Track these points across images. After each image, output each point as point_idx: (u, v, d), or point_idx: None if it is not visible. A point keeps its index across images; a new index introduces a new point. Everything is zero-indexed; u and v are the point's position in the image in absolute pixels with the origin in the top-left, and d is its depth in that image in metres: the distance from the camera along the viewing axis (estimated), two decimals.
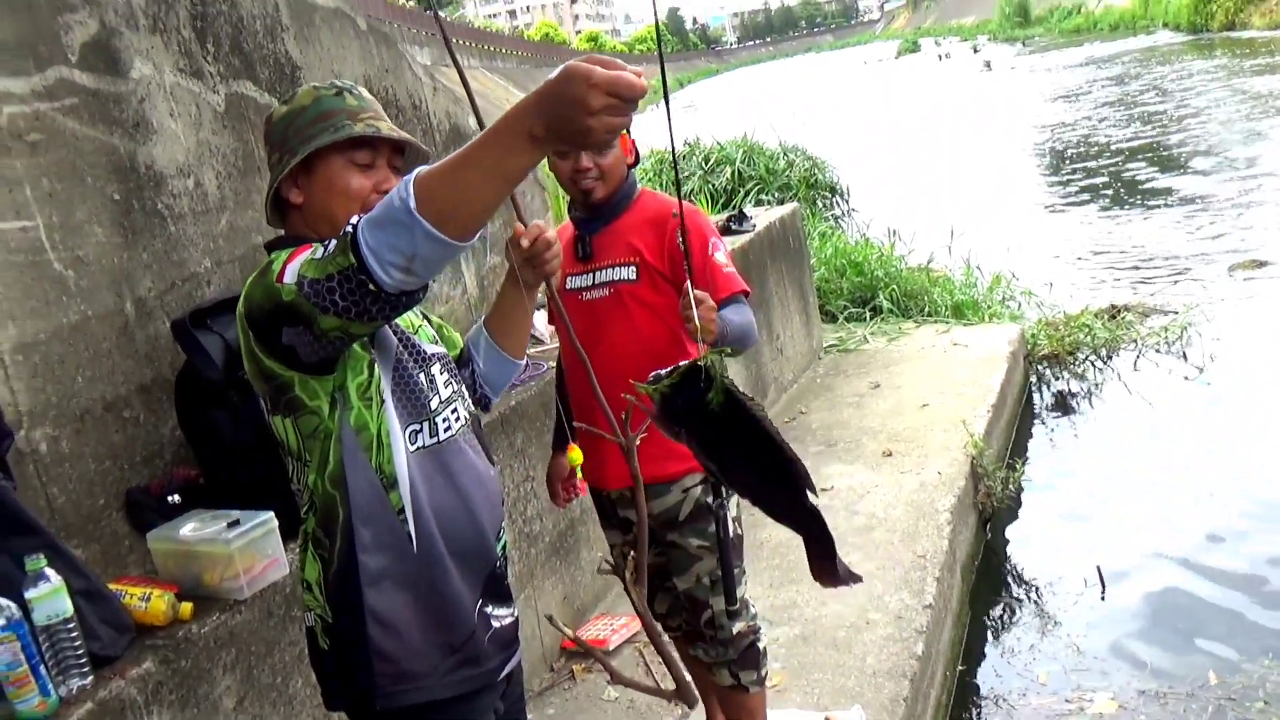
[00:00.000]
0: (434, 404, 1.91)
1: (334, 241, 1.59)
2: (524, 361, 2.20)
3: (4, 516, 2.32)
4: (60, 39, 2.83)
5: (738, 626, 2.88)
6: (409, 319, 1.99)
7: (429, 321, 2.13)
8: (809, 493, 1.89)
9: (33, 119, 2.71)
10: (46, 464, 2.64)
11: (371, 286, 1.54)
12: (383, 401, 1.83)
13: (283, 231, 1.99)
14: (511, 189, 1.59)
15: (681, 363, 1.74)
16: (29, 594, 2.16)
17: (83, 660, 2.24)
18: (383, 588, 1.85)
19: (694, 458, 2.58)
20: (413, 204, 1.46)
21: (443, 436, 1.92)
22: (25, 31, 2.72)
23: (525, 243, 1.99)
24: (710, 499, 2.76)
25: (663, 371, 1.75)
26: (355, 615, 1.85)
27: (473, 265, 4.67)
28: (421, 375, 1.92)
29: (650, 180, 10.75)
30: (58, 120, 2.78)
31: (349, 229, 1.56)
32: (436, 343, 2.04)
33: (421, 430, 1.88)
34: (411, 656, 1.88)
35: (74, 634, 2.22)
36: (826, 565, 1.95)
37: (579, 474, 2.93)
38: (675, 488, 2.81)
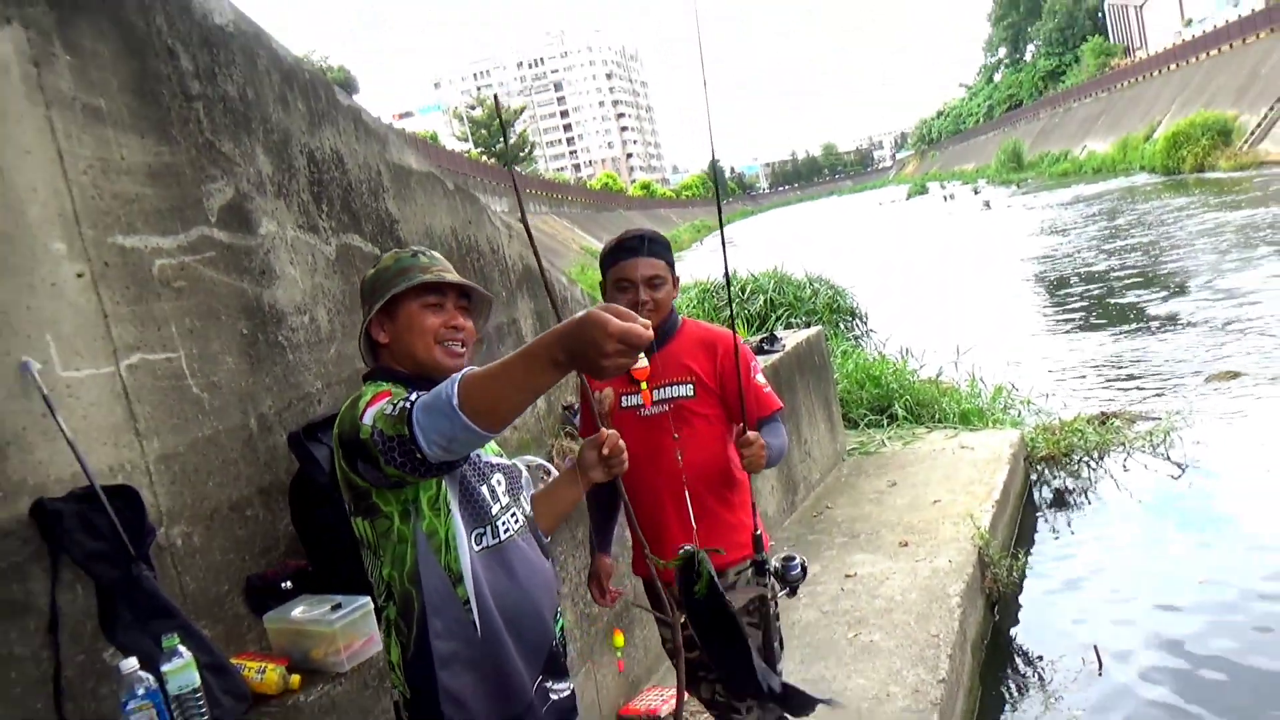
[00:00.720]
0: (494, 510, 2.00)
1: (399, 406, 1.69)
2: (547, 538, 2.22)
3: (146, 602, 2.40)
4: (203, 204, 3.00)
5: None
6: None
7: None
8: (770, 682, 1.92)
9: (179, 269, 2.86)
10: (181, 556, 2.72)
11: (419, 455, 1.66)
12: (449, 511, 1.92)
13: (374, 365, 2.11)
14: (537, 398, 1.71)
15: (681, 549, 1.79)
16: (164, 668, 2.22)
17: None
18: (453, 669, 1.91)
19: (746, 547, 2.67)
20: (455, 400, 1.58)
21: (503, 537, 1.99)
22: (175, 198, 2.89)
23: (606, 450, 2.08)
24: (759, 578, 2.72)
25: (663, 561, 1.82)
26: (430, 692, 1.92)
27: None
28: (484, 487, 2.00)
29: (695, 306, 10.90)
30: (199, 270, 2.93)
31: (407, 405, 1.68)
32: (500, 455, 2.13)
33: (485, 533, 1.97)
34: None
35: (200, 702, 2.27)
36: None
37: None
38: (731, 572, 2.78)
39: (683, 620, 2.65)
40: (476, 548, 1.94)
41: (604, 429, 2.11)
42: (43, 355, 2.44)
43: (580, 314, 1.51)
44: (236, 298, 3.04)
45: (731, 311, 2.93)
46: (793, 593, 2.72)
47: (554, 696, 2.06)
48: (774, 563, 2.67)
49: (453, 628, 1.91)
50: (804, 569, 2.68)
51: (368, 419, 1.76)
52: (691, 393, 2.79)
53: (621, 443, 2.10)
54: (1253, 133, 36.54)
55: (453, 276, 2.05)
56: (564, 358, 1.53)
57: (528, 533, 2.08)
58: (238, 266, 3.07)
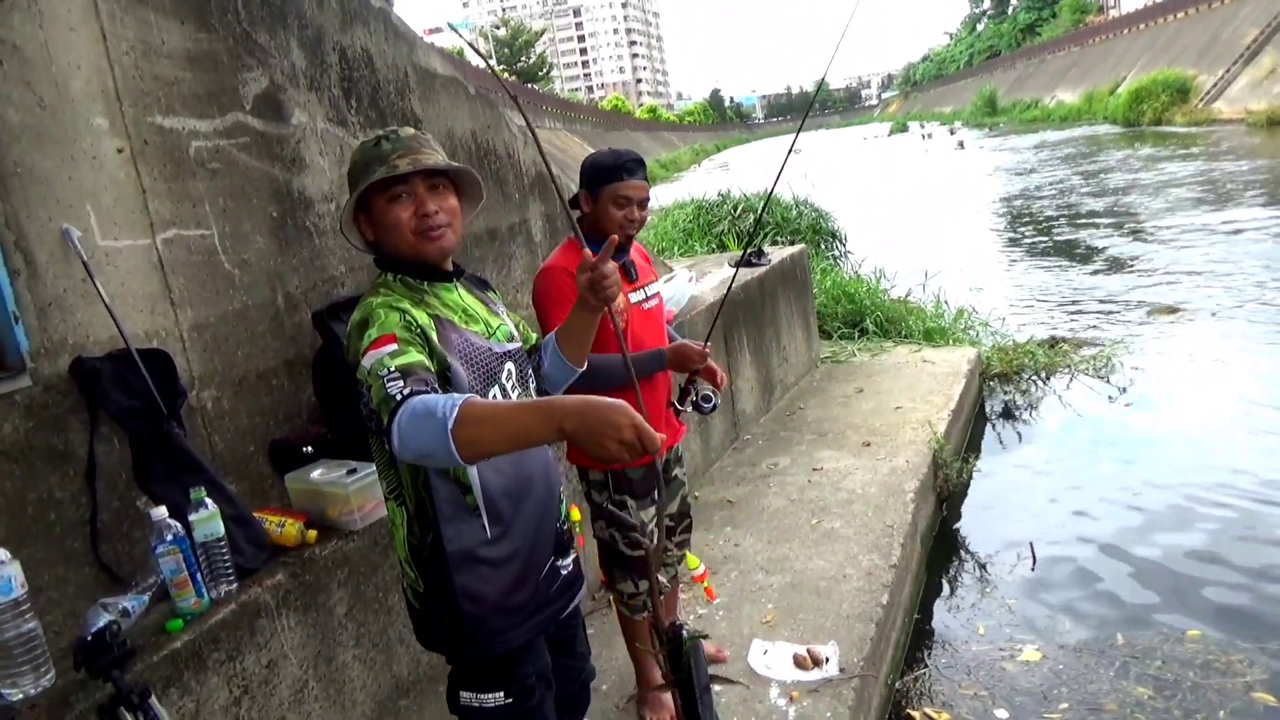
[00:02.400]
0: None
1: (391, 392, 1.56)
2: (582, 369, 2.08)
3: (177, 456, 2.35)
4: (239, 91, 2.85)
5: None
6: (486, 322, 1.92)
7: (505, 315, 2.05)
8: None
9: (214, 151, 2.73)
10: (211, 418, 2.66)
11: (388, 444, 1.56)
12: None
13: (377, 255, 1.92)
14: (522, 449, 1.64)
15: (679, 633, 1.76)
16: (192, 517, 2.18)
17: (230, 571, 2.25)
18: (467, 569, 1.83)
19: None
20: (451, 424, 1.45)
21: None
22: (212, 84, 2.75)
23: (583, 278, 1.89)
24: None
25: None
26: (446, 590, 1.84)
27: None
28: (494, 389, 1.84)
29: (691, 220, 10.71)
30: (233, 153, 2.80)
31: (398, 398, 1.54)
32: (513, 339, 1.97)
33: None
34: (496, 616, 1.86)
35: (224, 550, 2.23)
36: None
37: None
38: (679, 441, 3.00)
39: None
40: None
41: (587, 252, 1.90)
42: (83, 224, 2.33)
43: (609, 400, 1.42)
44: (268, 182, 2.91)
45: (760, 215, 2.84)
46: (703, 412, 2.85)
47: (563, 572, 2.00)
48: (695, 396, 2.81)
49: (464, 533, 1.82)
50: (716, 405, 2.83)
51: (367, 363, 1.63)
52: (659, 287, 2.96)
53: (608, 266, 1.89)
54: (1208, 92, 35.73)
55: (413, 163, 1.78)
56: (570, 428, 1.42)
57: None
58: (270, 153, 2.93)
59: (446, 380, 1.74)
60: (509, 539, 1.86)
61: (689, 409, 2.78)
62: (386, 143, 1.83)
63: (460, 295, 1.92)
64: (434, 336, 1.75)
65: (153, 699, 1.89)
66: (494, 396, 1.84)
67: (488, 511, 1.83)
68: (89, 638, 1.88)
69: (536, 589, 1.92)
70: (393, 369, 1.60)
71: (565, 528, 2.03)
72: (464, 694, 1.91)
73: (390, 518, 1.89)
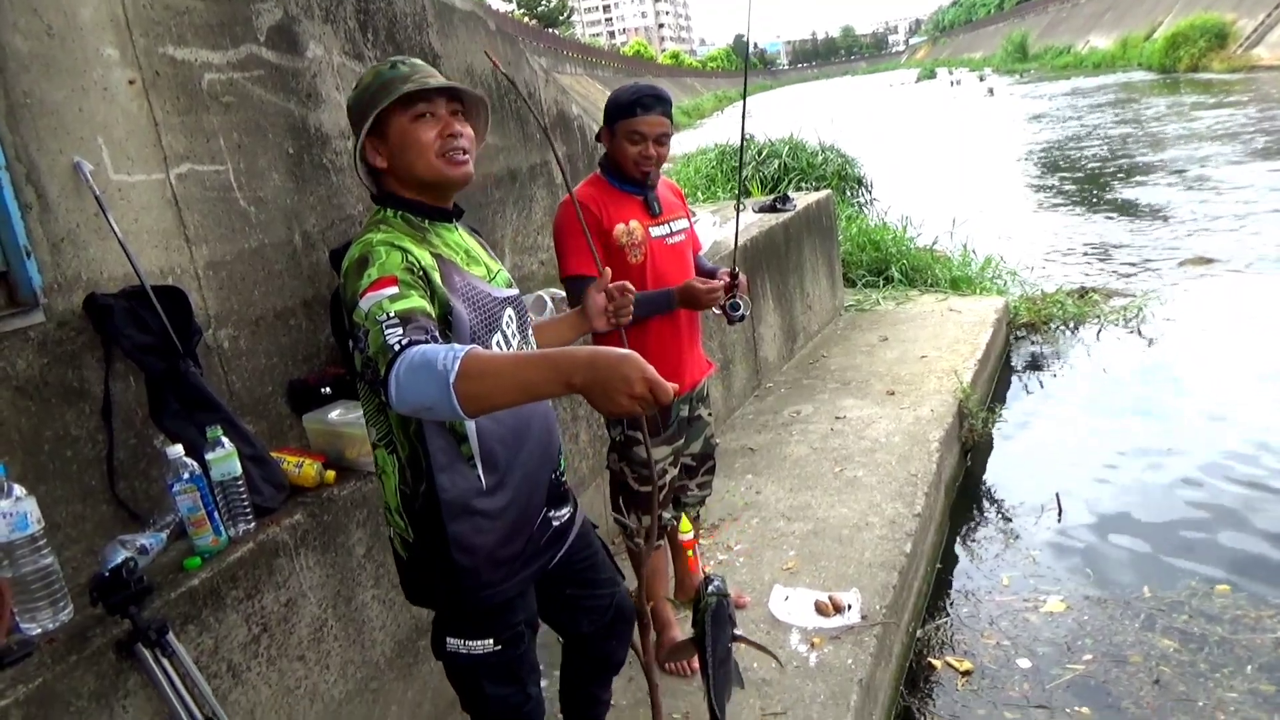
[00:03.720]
0: None
1: (390, 341, 1.46)
2: None
3: (192, 394, 2.32)
4: (252, 22, 2.77)
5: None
6: (487, 265, 1.86)
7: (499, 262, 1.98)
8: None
9: (228, 84, 2.67)
10: (228, 357, 2.63)
11: (383, 395, 1.46)
12: None
13: (377, 191, 1.83)
14: (529, 403, 1.59)
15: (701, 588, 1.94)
16: (208, 456, 2.16)
17: (248, 510, 2.23)
18: (460, 520, 1.77)
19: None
20: (453, 378, 1.36)
21: None
22: (225, 14, 2.67)
23: (615, 298, 1.94)
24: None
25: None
26: (438, 541, 1.77)
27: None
28: (495, 336, 1.77)
29: (714, 166, 10.55)
30: (247, 87, 2.73)
31: (396, 348, 1.44)
32: (511, 285, 1.91)
33: None
34: (489, 568, 1.81)
35: (242, 489, 2.21)
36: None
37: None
38: (705, 379, 2.98)
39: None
40: None
41: (607, 275, 1.90)
42: (95, 157, 2.28)
43: (620, 351, 1.35)
44: (283, 117, 2.85)
45: (741, 161, 2.82)
46: (732, 321, 2.79)
47: (555, 523, 1.95)
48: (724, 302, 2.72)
49: (459, 483, 1.75)
50: (744, 315, 2.76)
51: (365, 305, 1.53)
52: (688, 225, 2.90)
53: (631, 292, 1.92)
54: (1248, 37, 34.65)
55: (437, 81, 1.74)
56: (580, 382, 1.34)
57: None
58: (285, 87, 2.86)
59: (449, 325, 1.66)
60: (504, 489, 1.80)
61: (717, 313, 2.72)
62: (404, 65, 1.77)
63: (461, 236, 1.86)
64: (436, 278, 1.66)
65: (170, 635, 1.89)
66: (496, 344, 1.77)
67: (484, 461, 1.77)
68: (106, 574, 1.87)
69: (529, 539, 1.87)
70: (392, 314, 1.50)
71: (562, 478, 1.98)
72: (451, 640, 1.86)
73: (379, 466, 1.81)
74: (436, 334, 1.53)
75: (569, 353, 1.39)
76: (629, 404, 1.33)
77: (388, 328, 1.48)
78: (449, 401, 1.37)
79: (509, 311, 1.84)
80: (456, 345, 1.43)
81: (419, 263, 1.64)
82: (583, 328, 2.10)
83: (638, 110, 2.60)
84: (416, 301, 1.55)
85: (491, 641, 1.84)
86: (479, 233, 2.03)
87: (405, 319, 1.50)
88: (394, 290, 1.54)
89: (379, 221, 1.76)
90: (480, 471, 1.77)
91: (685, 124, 44.71)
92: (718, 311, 2.70)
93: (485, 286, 1.79)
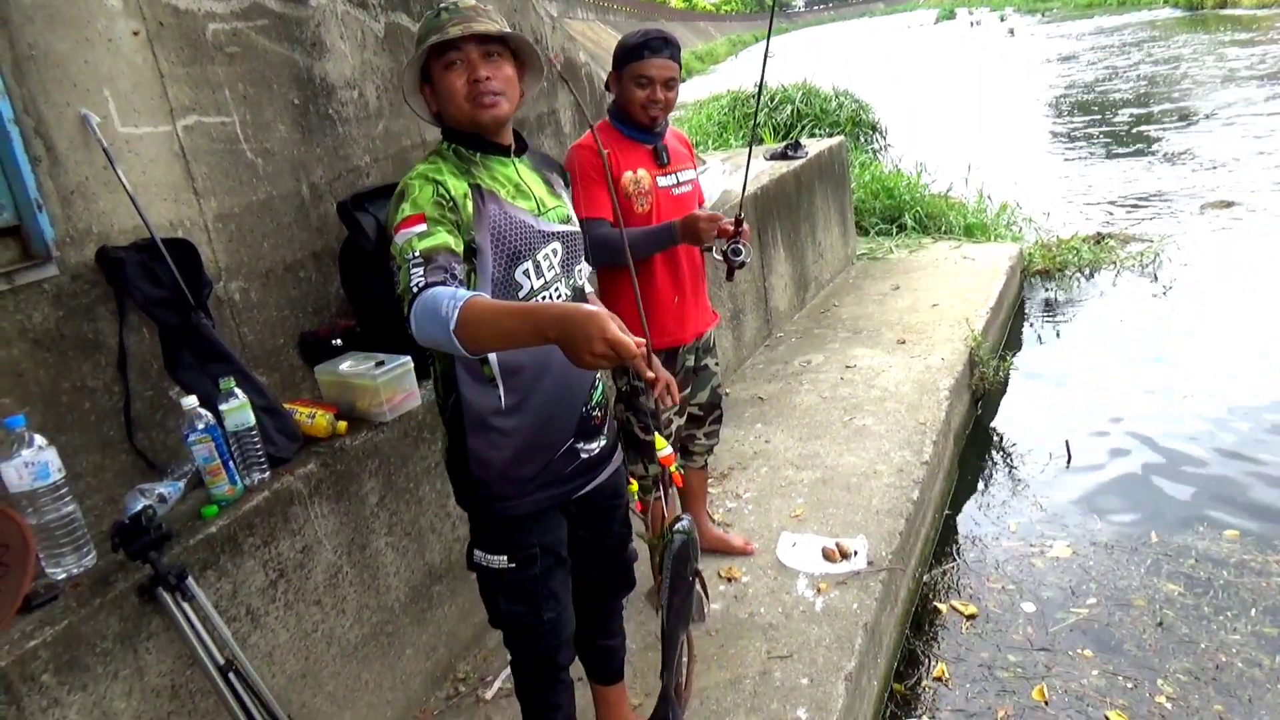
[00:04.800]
0: (524, 293, 1.87)
1: (411, 280, 1.61)
2: None
3: (205, 347, 2.36)
4: None
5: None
6: (541, 200, 1.93)
7: (567, 199, 2.06)
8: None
9: (231, 35, 2.66)
10: (239, 309, 2.67)
11: (409, 331, 1.61)
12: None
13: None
14: (519, 348, 1.77)
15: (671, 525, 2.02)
16: (222, 407, 2.20)
17: (262, 459, 2.29)
18: (480, 434, 1.93)
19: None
20: (453, 325, 1.50)
21: None
22: None
23: (659, 398, 2.00)
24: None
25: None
26: (461, 449, 1.95)
27: None
28: (527, 264, 1.86)
29: (725, 113, 10.45)
30: (251, 37, 2.73)
31: (414, 290, 1.59)
32: (565, 220, 1.98)
33: None
34: (500, 483, 1.95)
35: (255, 439, 2.26)
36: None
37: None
38: (712, 327, 3.02)
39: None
40: None
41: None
42: (101, 110, 2.29)
43: (588, 309, 1.44)
44: (288, 68, 2.85)
45: (757, 112, 2.80)
46: (731, 275, 2.81)
47: (584, 455, 2.04)
48: (725, 247, 2.71)
49: (479, 399, 1.91)
50: (745, 261, 2.73)
51: (399, 240, 1.69)
52: (694, 176, 2.90)
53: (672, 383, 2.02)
54: None
55: (464, 29, 1.80)
56: (552, 336, 1.45)
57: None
58: (289, 36, 2.85)
59: (474, 253, 1.80)
60: (522, 412, 1.92)
61: (718, 258, 2.74)
62: (445, 13, 1.85)
63: (516, 169, 1.94)
64: (468, 208, 1.79)
65: (190, 580, 1.95)
66: (524, 273, 1.86)
67: (504, 382, 1.90)
68: (127, 521, 1.93)
69: (548, 465, 1.97)
70: (417, 253, 1.64)
71: (594, 412, 2.03)
72: (476, 551, 2.03)
73: (432, 384, 2.03)
74: (455, 270, 1.66)
75: (545, 308, 1.50)
76: (593, 360, 1.42)
77: (412, 266, 1.63)
78: (452, 344, 1.52)
79: (554, 245, 1.93)
80: (460, 292, 1.55)
81: (449, 194, 1.76)
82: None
83: (645, 53, 2.62)
84: (441, 238, 1.68)
85: (505, 558, 1.99)
86: (558, 166, 2.14)
87: (428, 258, 1.64)
88: (421, 228, 1.69)
89: (435, 153, 1.90)
90: (501, 391, 1.90)
91: (698, 69, 44.04)
92: (719, 257, 2.71)
93: (528, 218, 1.88)
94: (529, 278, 1.87)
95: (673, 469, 2.05)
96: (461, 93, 1.83)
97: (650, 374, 1.64)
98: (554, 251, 1.93)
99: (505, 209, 1.85)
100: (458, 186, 1.79)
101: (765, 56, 2.85)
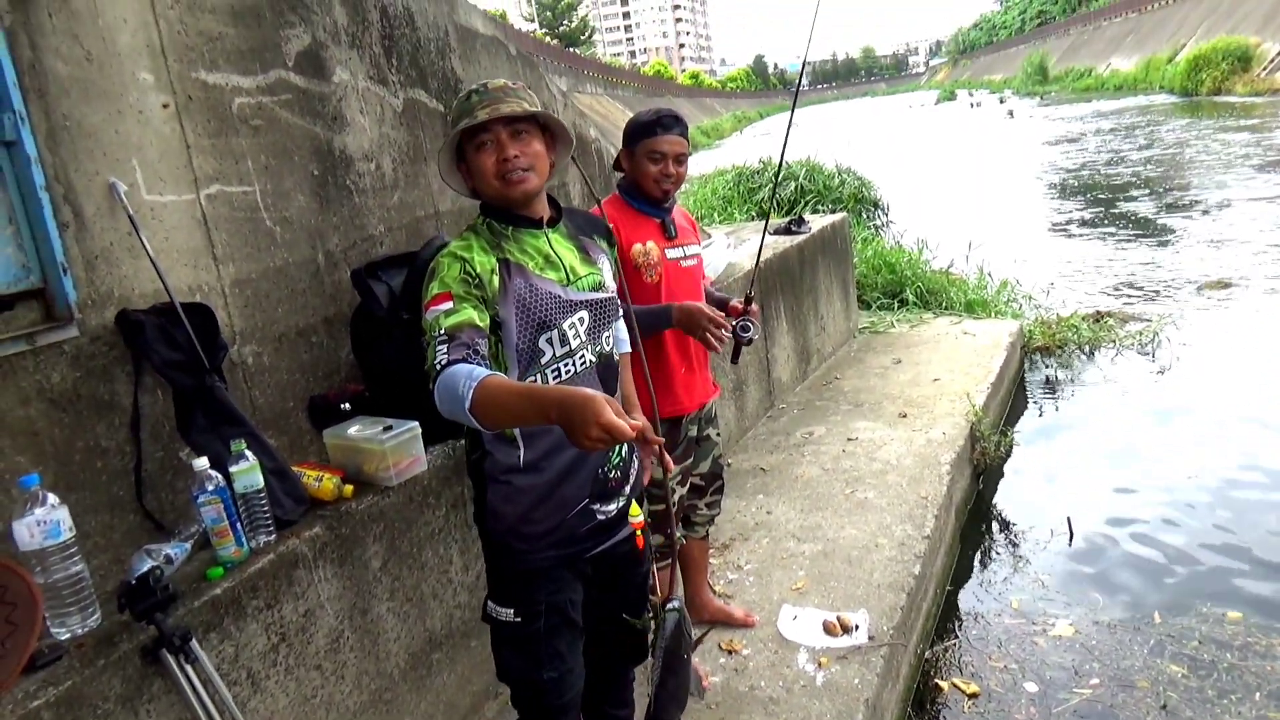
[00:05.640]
0: (550, 357, 1.94)
1: (435, 358, 1.72)
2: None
3: (218, 409, 2.39)
4: (281, 48, 2.86)
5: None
6: (571, 269, 2.00)
7: (604, 264, 2.12)
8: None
9: (256, 108, 2.76)
10: (252, 372, 2.71)
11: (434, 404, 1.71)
12: (506, 368, 1.92)
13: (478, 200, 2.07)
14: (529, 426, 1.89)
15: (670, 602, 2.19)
16: (232, 469, 2.23)
17: (269, 522, 2.30)
18: (497, 487, 2.00)
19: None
20: (468, 404, 1.60)
21: (553, 382, 1.95)
22: (255, 40, 2.76)
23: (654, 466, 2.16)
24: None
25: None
26: (482, 501, 2.03)
27: None
28: (552, 334, 1.94)
29: (731, 188, 10.63)
30: (275, 110, 2.82)
31: (438, 367, 1.70)
32: (597, 288, 2.05)
33: (534, 378, 1.93)
34: (512, 536, 2.01)
35: (263, 501, 2.28)
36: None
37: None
38: (714, 399, 3.06)
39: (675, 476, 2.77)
40: None
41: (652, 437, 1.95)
42: (129, 178, 2.37)
43: (586, 393, 1.51)
44: (309, 140, 2.94)
45: (775, 186, 2.90)
46: (737, 355, 2.96)
47: (600, 516, 2.07)
48: (735, 324, 2.83)
49: (502, 455, 1.98)
50: (753, 338, 2.87)
51: (429, 318, 1.79)
52: (699, 250, 2.99)
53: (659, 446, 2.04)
54: (1272, 60, 34.49)
55: (491, 111, 1.91)
56: (555, 417, 1.53)
57: (593, 372, 2.03)
58: (311, 111, 2.95)
59: (498, 326, 1.89)
60: (540, 470, 1.97)
61: (728, 335, 2.79)
62: (476, 96, 1.96)
63: (548, 241, 2.01)
64: (494, 283, 1.87)
65: (193, 642, 1.95)
66: (546, 342, 1.94)
67: (524, 441, 1.97)
68: (133, 581, 1.94)
69: (562, 523, 2.01)
70: (442, 330, 1.75)
71: (612, 474, 2.06)
72: (489, 603, 2.09)
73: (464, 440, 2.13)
74: (479, 345, 1.76)
75: (548, 392, 1.60)
76: (590, 444, 1.49)
77: (438, 344, 1.74)
78: (470, 421, 1.62)
79: (580, 314, 2.00)
80: (477, 370, 1.64)
81: (474, 270, 1.86)
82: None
83: (658, 130, 2.73)
84: (466, 314, 1.78)
85: (513, 612, 2.03)
86: (598, 225, 2.22)
87: (452, 335, 1.74)
88: (448, 305, 1.80)
89: (470, 229, 2.01)
90: (521, 449, 1.97)
91: (704, 144, 44.92)
92: (728, 335, 2.75)
93: (555, 289, 1.96)
94: (552, 345, 1.95)
95: (638, 534, 2.11)
96: (491, 171, 1.93)
97: (644, 435, 1.73)
98: (580, 320, 2.00)
99: (532, 281, 1.93)
100: (485, 263, 1.89)
101: (786, 136, 2.96)
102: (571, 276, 2.00)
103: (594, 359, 2.02)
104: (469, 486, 2.17)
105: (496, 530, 2.02)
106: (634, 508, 2.13)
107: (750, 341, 2.80)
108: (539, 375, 1.94)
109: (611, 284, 2.11)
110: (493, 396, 1.60)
